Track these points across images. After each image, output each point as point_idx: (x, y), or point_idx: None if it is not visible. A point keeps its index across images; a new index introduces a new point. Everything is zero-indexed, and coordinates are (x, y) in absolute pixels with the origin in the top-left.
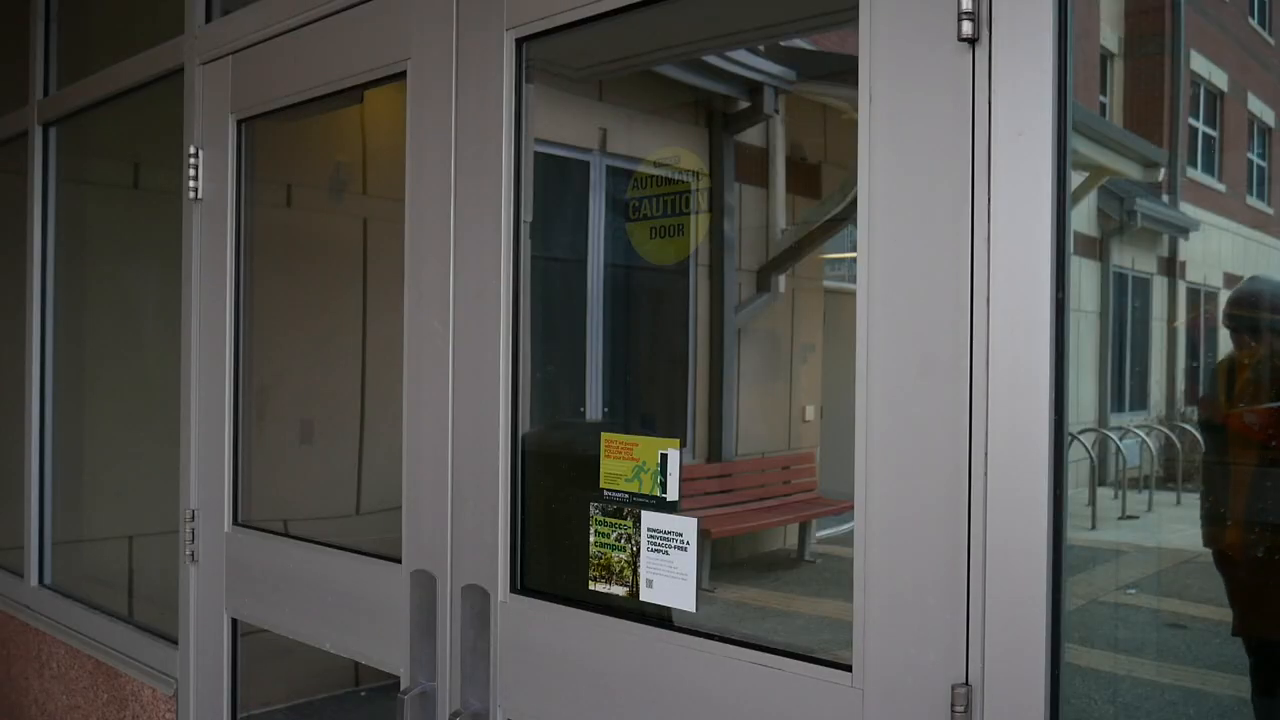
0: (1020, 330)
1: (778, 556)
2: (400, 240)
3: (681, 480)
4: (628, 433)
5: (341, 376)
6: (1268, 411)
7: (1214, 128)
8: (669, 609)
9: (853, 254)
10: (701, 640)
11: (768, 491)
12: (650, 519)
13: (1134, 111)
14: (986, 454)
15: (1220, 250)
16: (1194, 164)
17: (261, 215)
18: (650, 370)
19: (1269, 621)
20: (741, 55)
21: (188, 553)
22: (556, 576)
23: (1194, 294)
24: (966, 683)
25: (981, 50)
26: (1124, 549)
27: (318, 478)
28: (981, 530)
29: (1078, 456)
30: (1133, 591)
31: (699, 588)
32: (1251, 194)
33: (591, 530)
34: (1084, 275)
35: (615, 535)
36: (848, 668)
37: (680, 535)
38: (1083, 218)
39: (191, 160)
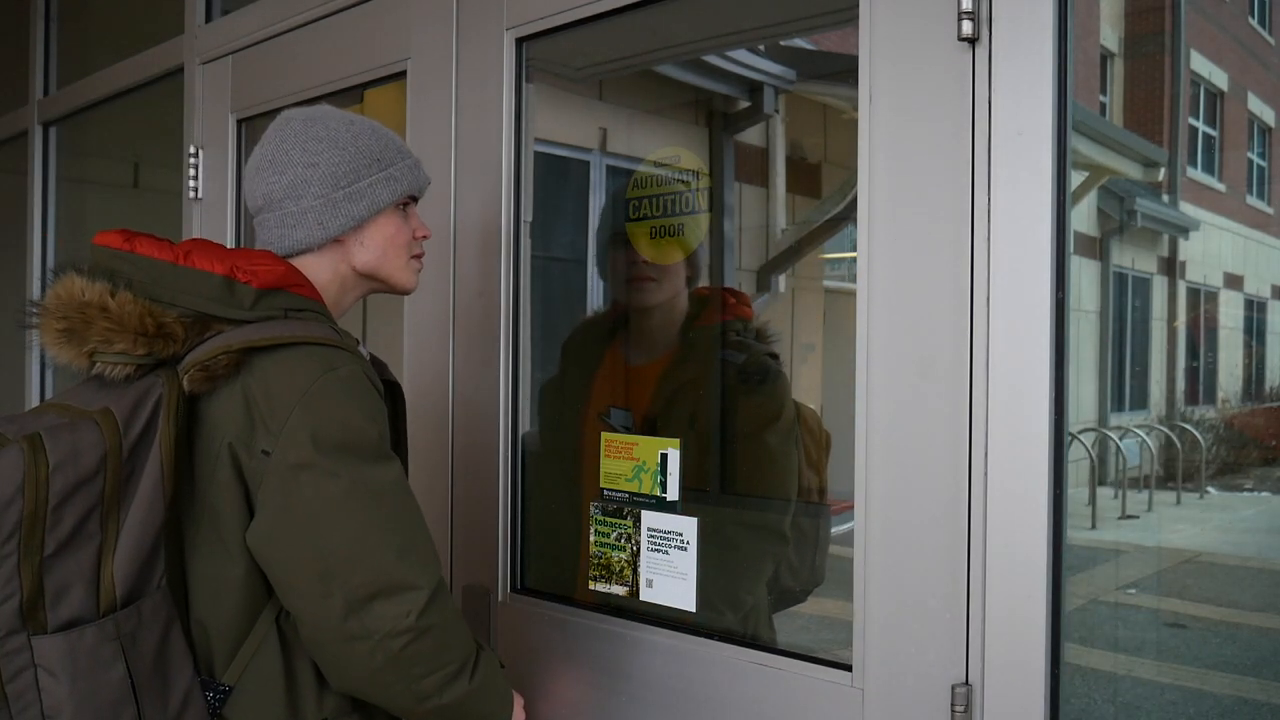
0: (1020, 330)
1: None
2: None
3: (681, 480)
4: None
5: None
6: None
7: (1214, 128)
8: (669, 608)
9: (853, 254)
10: (701, 640)
11: None
12: (650, 519)
13: (1134, 111)
14: (986, 454)
15: (1220, 250)
16: (1194, 164)
17: None
18: None
19: None
20: (741, 55)
21: None
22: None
23: (1194, 294)
24: (966, 683)
25: (981, 50)
26: (1124, 549)
27: None
28: (981, 530)
29: (1078, 456)
30: (1133, 591)
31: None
32: (1251, 194)
33: (591, 530)
34: (1084, 275)
35: (615, 535)
36: (848, 668)
37: (680, 535)
38: (1083, 218)
39: (191, 160)
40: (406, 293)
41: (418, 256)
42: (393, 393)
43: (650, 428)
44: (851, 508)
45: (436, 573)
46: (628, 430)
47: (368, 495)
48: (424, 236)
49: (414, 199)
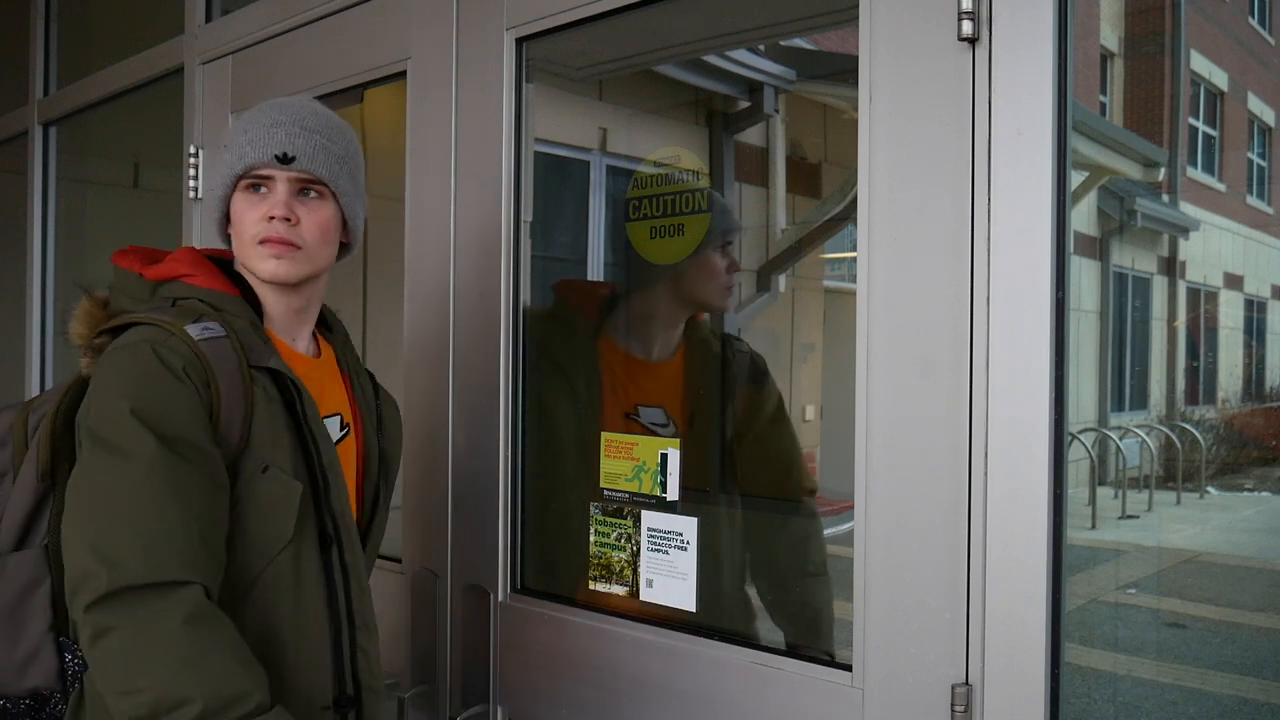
0: (1020, 330)
1: None
2: (400, 240)
3: (681, 480)
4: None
5: None
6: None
7: (1214, 128)
8: (669, 608)
9: (853, 254)
10: (701, 640)
11: None
12: (650, 519)
13: (1134, 111)
14: (986, 454)
15: (1220, 250)
16: (1194, 164)
17: None
18: None
19: None
20: (741, 55)
21: None
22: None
23: (1194, 294)
24: (966, 683)
25: (981, 50)
26: (1124, 549)
27: None
28: (981, 530)
29: (1078, 456)
30: (1133, 591)
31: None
32: (1251, 194)
33: (591, 530)
34: (1084, 275)
35: (615, 535)
36: (848, 668)
37: (680, 535)
38: (1083, 218)
39: (191, 160)
40: (272, 283)
41: (265, 242)
42: (277, 381)
43: (694, 425)
44: (851, 507)
45: (139, 573)
46: (663, 429)
47: (93, 476)
48: (270, 218)
49: (265, 178)
